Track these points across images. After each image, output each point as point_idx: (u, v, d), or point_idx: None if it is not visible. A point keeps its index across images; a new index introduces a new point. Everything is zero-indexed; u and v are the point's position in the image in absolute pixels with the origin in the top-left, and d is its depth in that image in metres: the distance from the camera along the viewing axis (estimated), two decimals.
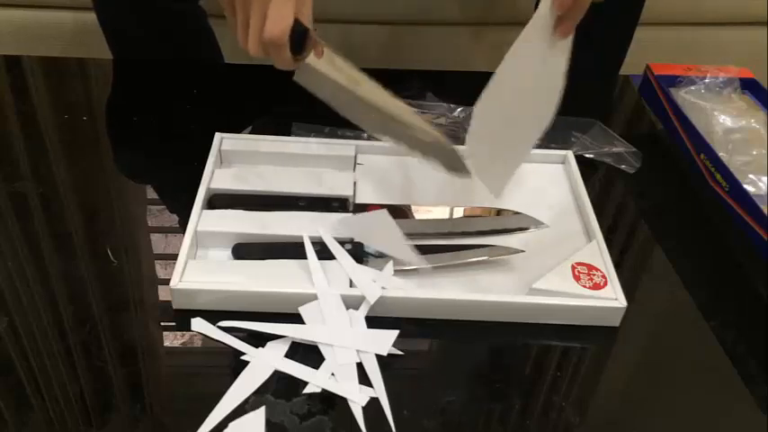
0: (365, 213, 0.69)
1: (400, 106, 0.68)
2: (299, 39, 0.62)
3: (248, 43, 0.63)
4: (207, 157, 0.73)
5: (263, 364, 0.57)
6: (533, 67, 0.65)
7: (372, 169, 0.76)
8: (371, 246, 0.66)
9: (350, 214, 0.70)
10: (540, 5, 0.62)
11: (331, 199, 0.71)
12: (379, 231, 0.66)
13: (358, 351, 0.58)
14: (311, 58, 0.64)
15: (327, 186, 0.72)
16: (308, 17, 0.63)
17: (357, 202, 0.72)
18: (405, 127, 0.68)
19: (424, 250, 0.65)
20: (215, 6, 1.03)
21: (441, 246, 0.67)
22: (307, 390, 0.56)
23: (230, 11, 0.64)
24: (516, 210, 0.72)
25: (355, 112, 0.68)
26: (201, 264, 0.65)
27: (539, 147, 0.82)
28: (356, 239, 0.66)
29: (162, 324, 0.62)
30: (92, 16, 0.98)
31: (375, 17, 1.27)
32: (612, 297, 0.63)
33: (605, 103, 0.98)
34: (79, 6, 1.23)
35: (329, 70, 0.66)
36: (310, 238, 0.65)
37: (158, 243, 0.70)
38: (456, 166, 0.70)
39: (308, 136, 0.80)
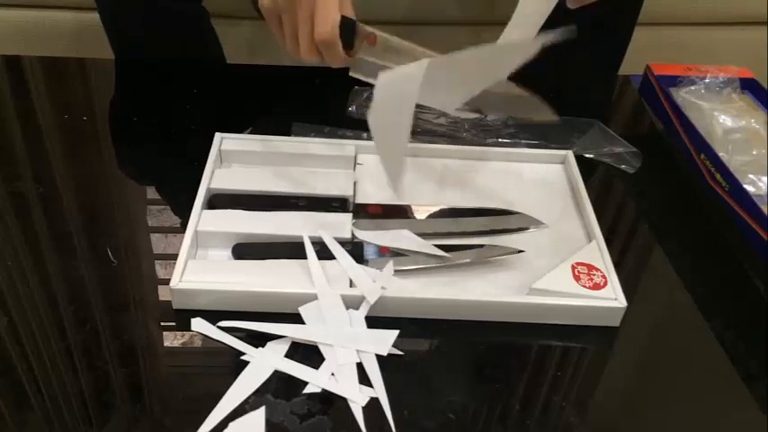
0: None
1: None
2: (349, 33, 0.62)
3: (301, 50, 0.63)
4: (207, 157, 0.73)
5: (263, 364, 0.57)
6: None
7: (372, 169, 0.76)
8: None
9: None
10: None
11: (331, 199, 0.71)
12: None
13: (358, 351, 0.58)
14: (364, 50, 0.64)
15: (327, 186, 0.72)
16: (351, 10, 0.64)
17: (357, 202, 0.72)
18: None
19: None
20: (218, 6, 1.04)
21: (441, 246, 0.67)
22: (307, 390, 0.56)
23: (276, 24, 0.65)
24: (516, 210, 0.72)
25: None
26: (201, 264, 0.65)
27: (539, 147, 0.82)
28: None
29: (162, 324, 0.62)
30: (92, 16, 0.98)
31: (375, 17, 1.26)
32: (612, 297, 0.63)
33: (605, 103, 0.99)
34: (79, 6, 1.23)
35: (383, 57, 0.65)
36: (310, 238, 0.65)
37: (158, 243, 0.70)
38: (537, 111, 0.66)
39: (308, 136, 0.80)
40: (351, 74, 0.65)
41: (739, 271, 0.72)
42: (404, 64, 0.62)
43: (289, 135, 0.81)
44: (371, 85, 0.65)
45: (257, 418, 0.54)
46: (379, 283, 0.62)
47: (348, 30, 0.62)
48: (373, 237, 0.67)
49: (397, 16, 1.28)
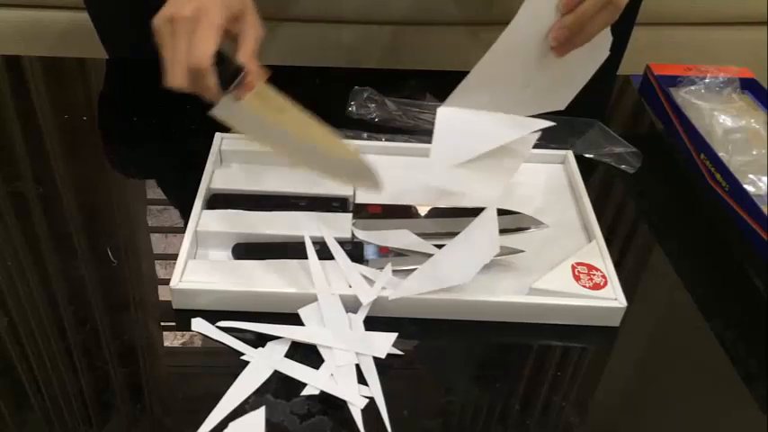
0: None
1: (322, 134, 0.65)
2: (231, 75, 0.63)
3: (172, 74, 0.63)
4: (207, 157, 0.73)
5: (262, 364, 0.57)
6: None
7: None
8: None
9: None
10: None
11: (331, 199, 0.71)
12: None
13: (357, 353, 0.58)
14: (235, 93, 0.64)
15: (327, 186, 0.72)
16: (250, 58, 0.64)
17: (357, 202, 0.72)
18: (324, 154, 0.66)
19: None
20: None
21: (441, 246, 0.66)
22: (306, 391, 0.56)
23: (162, 48, 0.64)
24: (516, 210, 0.72)
25: (275, 145, 0.67)
26: (201, 264, 0.65)
27: (539, 147, 0.82)
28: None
29: (162, 324, 0.62)
30: (85, 15, 0.98)
31: (375, 17, 1.27)
32: (612, 297, 0.63)
33: (605, 103, 0.98)
34: (79, 6, 1.23)
35: (253, 104, 0.65)
36: (311, 238, 0.65)
37: (158, 243, 0.70)
38: (372, 182, 0.66)
39: None
40: (210, 112, 0.65)
41: (739, 271, 0.72)
42: (267, 115, 0.64)
43: None
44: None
45: (257, 418, 0.54)
46: (375, 286, 0.62)
47: (231, 73, 0.63)
48: (373, 237, 0.67)
49: (396, 16, 1.28)
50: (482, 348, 0.63)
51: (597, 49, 0.66)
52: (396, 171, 0.76)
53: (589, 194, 0.74)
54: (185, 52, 0.62)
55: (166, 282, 0.61)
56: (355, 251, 0.65)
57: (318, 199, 0.71)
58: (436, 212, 0.72)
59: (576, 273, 0.64)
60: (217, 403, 0.54)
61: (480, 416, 0.57)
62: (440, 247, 0.66)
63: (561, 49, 0.64)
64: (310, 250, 0.64)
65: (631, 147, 0.83)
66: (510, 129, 0.68)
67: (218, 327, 0.60)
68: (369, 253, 0.66)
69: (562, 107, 0.70)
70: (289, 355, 0.58)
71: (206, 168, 0.72)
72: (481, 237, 0.64)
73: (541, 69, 0.67)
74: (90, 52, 0.97)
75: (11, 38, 1.27)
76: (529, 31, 0.64)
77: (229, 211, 0.69)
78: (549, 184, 0.78)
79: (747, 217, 0.74)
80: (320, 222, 0.67)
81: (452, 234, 0.69)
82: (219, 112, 0.65)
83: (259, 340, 0.59)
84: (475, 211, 0.72)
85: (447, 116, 0.68)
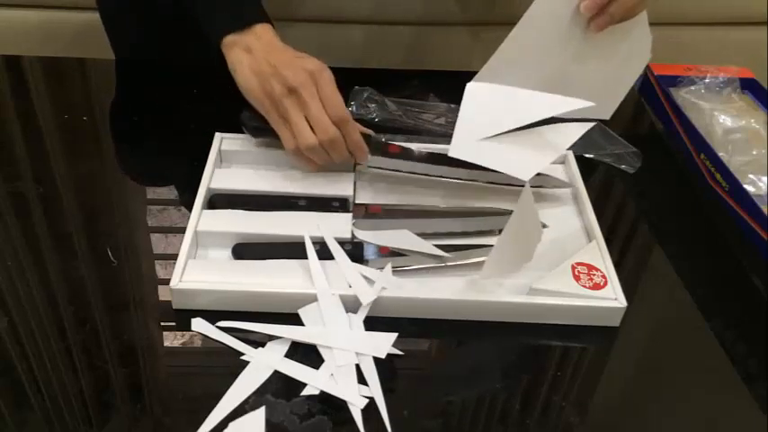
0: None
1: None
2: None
3: (320, 129, 0.67)
4: (207, 157, 0.73)
5: (262, 364, 0.57)
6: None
7: (372, 169, 0.76)
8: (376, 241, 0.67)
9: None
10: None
11: (331, 199, 0.71)
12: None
13: (357, 353, 0.58)
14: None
15: (327, 186, 0.72)
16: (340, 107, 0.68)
17: (357, 202, 0.72)
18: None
19: None
20: None
21: (441, 246, 0.67)
22: (306, 391, 0.56)
23: (274, 112, 0.69)
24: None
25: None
26: (201, 264, 0.65)
27: None
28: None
29: (162, 324, 0.62)
30: (92, 16, 0.98)
31: (376, 18, 1.27)
32: (612, 297, 0.63)
33: None
34: (80, 6, 1.23)
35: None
36: (311, 238, 0.65)
37: (158, 243, 0.70)
38: None
39: None
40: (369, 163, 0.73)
41: (739, 271, 0.72)
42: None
43: None
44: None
45: (257, 418, 0.54)
46: (375, 286, 0.62)
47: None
48: (373, 237, 0.67)
49: (397, 17, 1.28)
50: (482, 348, 0.63)
51: (637, 51, 0.64)
52: (396, 171, 0.76)
53: (589, 194, 0.74)
54: (319, 111, 0.66)
55: (166, 282, 0.61)
56: (355, 251, 0.65)
57: (318, 199, 0.71)
58: (437, 213, 0.72)
59: (576, 273, 0.64)
60: (217, 403, 0.54)
61: (480, 416, 0.57)
62: (440, 247, 0.66)
63: (598, 22, 0.62)
64: (310, 250, 0.64)
65: (631, 147, 0.83)
66: (545, 106, 0.64)
67: (218, 327, 0.60)
68: (369, 253, 0.66)
69: (606, 116, 0.68)
70: (289, 355, 0.58)
71: (206, 168, 0.72)
72: (526, 223, 0.62)
73: (579, 58, 0.65)
74: (91, 52, 0.97)
75: (11, 38, 1.27)
76: (556, 5, 0.63)
77: (229, 211, 0.69)
78: (549, 184, 0.77)
79: (747, 217, 0.74)
80: (320, 222, 0.67)
81: (452, 234, 0.69)
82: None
83: (259, 340, 0.59)
84: (476, 212, 0.72)
85: (475, 92, 0.65)
